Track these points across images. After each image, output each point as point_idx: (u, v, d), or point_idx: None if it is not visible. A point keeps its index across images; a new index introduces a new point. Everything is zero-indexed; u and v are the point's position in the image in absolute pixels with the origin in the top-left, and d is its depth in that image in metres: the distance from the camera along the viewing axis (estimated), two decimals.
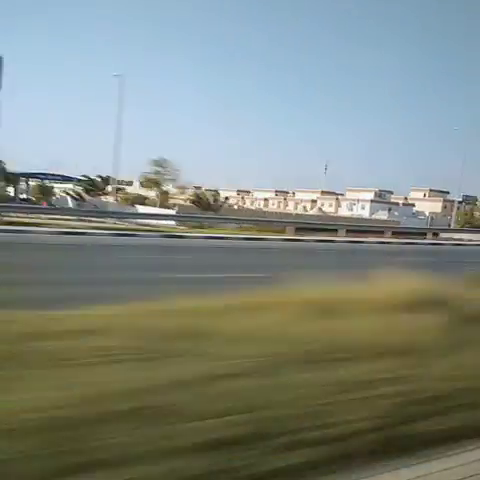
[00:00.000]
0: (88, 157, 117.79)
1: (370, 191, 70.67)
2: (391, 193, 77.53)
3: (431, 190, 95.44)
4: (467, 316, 5.09)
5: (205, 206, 43.59)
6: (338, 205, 76.38)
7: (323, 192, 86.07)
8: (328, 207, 77.87)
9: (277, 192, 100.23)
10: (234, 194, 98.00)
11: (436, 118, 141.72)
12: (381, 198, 71.34)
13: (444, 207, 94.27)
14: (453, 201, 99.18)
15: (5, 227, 20.64)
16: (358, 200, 69.97)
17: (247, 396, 3.07)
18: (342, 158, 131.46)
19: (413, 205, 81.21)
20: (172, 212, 38.16)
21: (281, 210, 69.06)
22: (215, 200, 47.07)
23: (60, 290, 8.66)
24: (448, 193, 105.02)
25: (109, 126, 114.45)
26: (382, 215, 67.36)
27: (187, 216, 33.93)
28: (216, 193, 52.14)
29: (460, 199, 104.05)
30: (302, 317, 4.60)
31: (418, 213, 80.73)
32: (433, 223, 73.62)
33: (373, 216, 68.13)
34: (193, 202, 45.68)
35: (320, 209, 61.64)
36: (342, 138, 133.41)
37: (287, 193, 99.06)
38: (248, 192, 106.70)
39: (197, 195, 48.00)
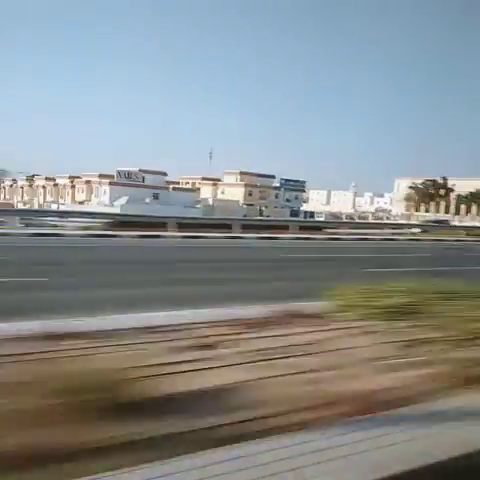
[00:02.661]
0: None
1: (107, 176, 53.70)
2: (164, 175, 61.16)
3: (242, 172, 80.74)
4: None
5: None
6: (90, 191, 58.79)
7: (101, 175, 68.38)
8: (81, 193, 60.31)
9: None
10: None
11: None
12: (131, 180, 54.27)
13: (249, 194, 79.82)
14: (259, 186, 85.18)
15: None
16: (100, 183, 52.79)
17: None
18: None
19: (193, 190, 65.56)
20: None
21: None
22: None
23: None
24: (274, 177, 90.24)
25: None
26: (122, 201, 50.79)
27: None
28: None
29: (278, 184, 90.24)
30: None
31: (202, 201, 65.44)
32: (208, 212, 58.48)
33: (115, 203, 51.53)
34: None
35: None
36: None
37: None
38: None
39: None
